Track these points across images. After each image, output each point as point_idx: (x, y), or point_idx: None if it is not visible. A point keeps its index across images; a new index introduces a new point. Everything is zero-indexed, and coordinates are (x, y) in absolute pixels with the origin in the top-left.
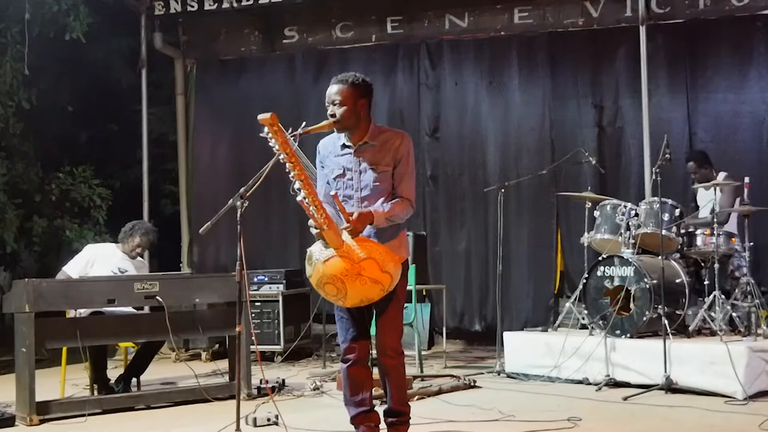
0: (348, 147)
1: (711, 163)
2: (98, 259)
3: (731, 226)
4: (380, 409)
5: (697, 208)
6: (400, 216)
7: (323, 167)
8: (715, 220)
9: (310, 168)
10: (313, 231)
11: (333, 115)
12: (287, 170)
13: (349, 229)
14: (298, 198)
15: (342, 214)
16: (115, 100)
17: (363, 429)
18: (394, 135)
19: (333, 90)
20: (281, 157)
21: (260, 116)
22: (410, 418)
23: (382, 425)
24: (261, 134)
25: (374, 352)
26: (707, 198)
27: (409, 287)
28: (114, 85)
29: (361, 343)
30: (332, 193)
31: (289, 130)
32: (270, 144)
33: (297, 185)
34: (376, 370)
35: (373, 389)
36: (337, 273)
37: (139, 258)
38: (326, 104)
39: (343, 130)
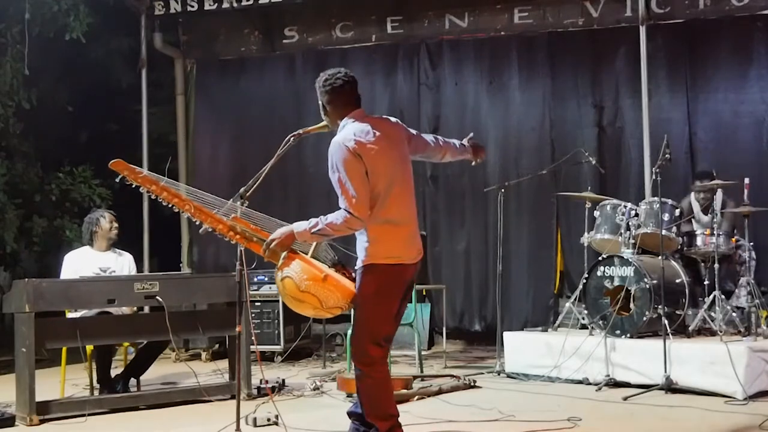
0: None
1: None
2: (81, 265)
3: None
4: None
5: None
6: (335, 229)
7: None
8: (715, 221)
9: (194, 193)
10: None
11: None
12: (165, 204)
13: (264, 249)
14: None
15: (260, 236)
16: (115, 100)
17: (352, 426)
18: (333, 139)
19: None
20: (151, 195)
21: (110, 164)
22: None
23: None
24: (117, 180)
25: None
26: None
27: None
28: (114, 85)
29: None
30: None
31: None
32: (133, 187)
33: (186, 215)
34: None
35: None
36: (278, 289)
37: (115, 249)
38: None
39: (332, 130)
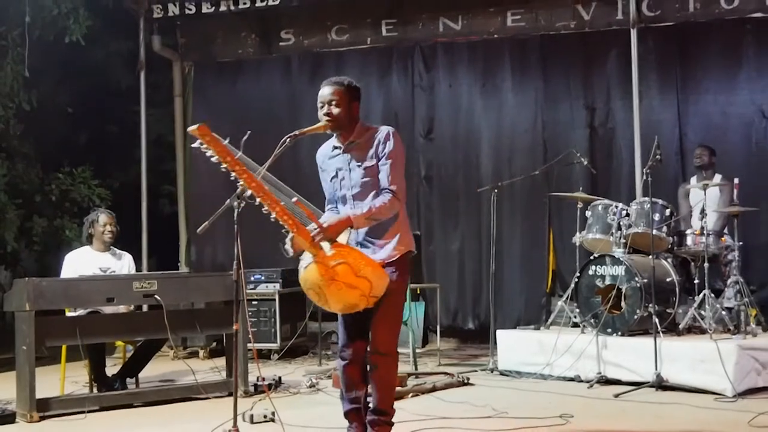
0: (338, 148)
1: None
2: (81, 265)
3: (719, 225)
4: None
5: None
6: (382, 212)
7: (322, 171)
8: (704, 220)
9: (262, 174)
10: (288, 237)
11: (328, 114)
12: (233, 178)
13: (317, 234)
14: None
15: (313, 221)
16: (114, 102)
17: (354, 425)
18: (377, 130)
19: (329, 91)
20: (222, 167)
21: (190, 129)
22: (393, 423)
23: None
24: (193, 145)
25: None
26: (700, 197)
27: None
28: (113, 87)
29: (358, 343)
30: (338, 195)
31: (253, 132)
32: (207, 155)
33: (248, 193)
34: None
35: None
36: (314, 279)
37: (115, 250)
38: (319, 105)
39: (336, 129)
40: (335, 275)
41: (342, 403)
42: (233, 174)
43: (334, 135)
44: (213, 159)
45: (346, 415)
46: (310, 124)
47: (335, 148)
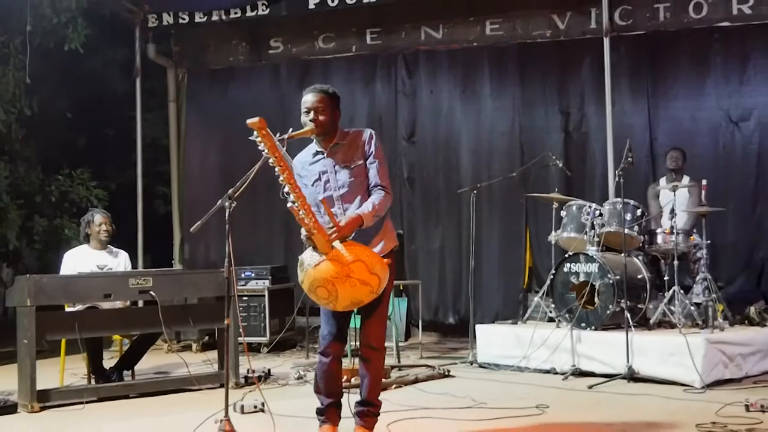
0: (320, 153)
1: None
2: (79, 262)
3: (688, 225)
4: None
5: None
6: (382, 208)
7: (301, 177)
8: (674, 220)
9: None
10: (303, 235)
11: (315, 120)
12: (276, 174)
13: (334, 232)
14: (288, 204)
15: (330, 220)
16: (111, 107)
17: (331, 417)
18: (359, 132)
19: (315, 98)
20: (270, 160)
21: (249, 120)
22: (379, 414)
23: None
24: (250, 137)
25: (355, 343)
26: (669, 198)
27: None
28: (110, 93)
29: (341, 341)
30: (320, 198)
31: (277, 135)
32: (259, 148)
33: (286, 189)
34: (356, 361)
35: (353, 378)
36: (327, 276)
37: (111, 248)
38: (304, 111)
39: (321, 134)
40: (350, 272)
41: (319, 398)
42: (276, 169)
43: (314, 141)
44: (264, 152)
45: (326, 408)
46: (298, 128)
47: (317, 153)
